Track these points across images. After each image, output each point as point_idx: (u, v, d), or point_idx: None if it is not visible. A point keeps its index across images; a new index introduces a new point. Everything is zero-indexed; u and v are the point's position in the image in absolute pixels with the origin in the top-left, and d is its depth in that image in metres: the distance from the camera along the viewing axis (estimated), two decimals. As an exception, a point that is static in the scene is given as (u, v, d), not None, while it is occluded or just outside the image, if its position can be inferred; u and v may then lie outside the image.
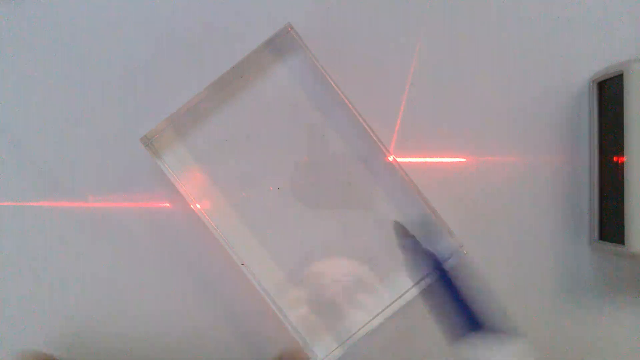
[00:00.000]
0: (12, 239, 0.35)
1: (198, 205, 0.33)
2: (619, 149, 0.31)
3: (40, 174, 0.35)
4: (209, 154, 0.33)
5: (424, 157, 0.35)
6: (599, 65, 0.34)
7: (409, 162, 0.35)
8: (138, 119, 0.34)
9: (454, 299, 0.27)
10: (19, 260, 0.35)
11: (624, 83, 0.30)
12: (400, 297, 0.33)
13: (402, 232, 0.30)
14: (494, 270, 0.35)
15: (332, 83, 0.32)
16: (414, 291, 0.33)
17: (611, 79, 0.32)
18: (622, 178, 0.31)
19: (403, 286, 0.33)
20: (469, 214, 0.35)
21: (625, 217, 0.30)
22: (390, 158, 0.33)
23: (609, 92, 0.33)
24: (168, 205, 0.35)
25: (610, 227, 0.33)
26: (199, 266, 0.35)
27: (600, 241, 0.33)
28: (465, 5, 0.35)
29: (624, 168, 0.31)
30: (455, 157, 0.35)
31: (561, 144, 0.35)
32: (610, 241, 0.33)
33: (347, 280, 0.33)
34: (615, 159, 0.32)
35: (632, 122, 0.30)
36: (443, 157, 0.35)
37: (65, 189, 0.35)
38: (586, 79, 0.34)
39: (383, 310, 0.33)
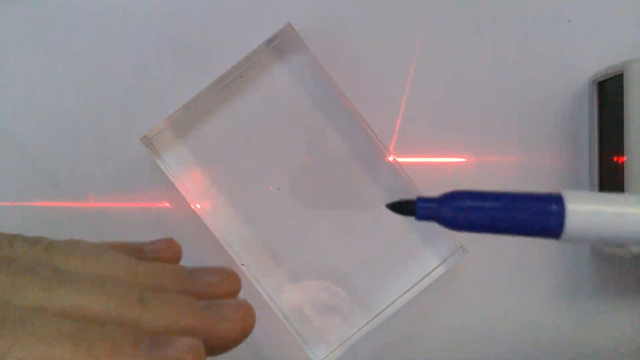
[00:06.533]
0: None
1: (198, 205, 0.33)
2: (619, 149, 0.31)
3: (40, 174, 0.35)
4: (209, 154, 0.33)
5: (424, 157, 0.35)
6: (599, 65, 0.34)
7: (409, 162, 0.35)
8: (138, 119, 0.34)
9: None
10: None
11: (624, 83, 0.30)
12: (401, 295, 0.33)
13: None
14: (493, 271, 0.35)
15: (333, 83, 0.32)
16: (416, 289, 0.33)
17: (611, 79, 0.32)
18: (622, 178, 0.31)
19: (404, 285, 0.33)
20: (469, 214, 0.35)
21: (625, 217, 0.30)
22: (390, 158, 0.33)
23: (609, 92, 0.33)
24: (168, 205, 0.35)
25: (610, 227, 0.33)
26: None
27: (600, 241, 0.33)
28: (465, 5, 0.35)
29: (624, 168, 0.31)
30: (455, 157, 0.35)
31: (561, 144, 0.35)
32: (610, 241, 0.32)
33: (348, 280, 0.33)
34: (615, 159, 0.32)
35: (632, 122, 0.30)
36: (443, 157, 0.35)
37: (65, 189, 0.35)
38: (586, 79, 0.34)
39: (385, 308, 0.33)
